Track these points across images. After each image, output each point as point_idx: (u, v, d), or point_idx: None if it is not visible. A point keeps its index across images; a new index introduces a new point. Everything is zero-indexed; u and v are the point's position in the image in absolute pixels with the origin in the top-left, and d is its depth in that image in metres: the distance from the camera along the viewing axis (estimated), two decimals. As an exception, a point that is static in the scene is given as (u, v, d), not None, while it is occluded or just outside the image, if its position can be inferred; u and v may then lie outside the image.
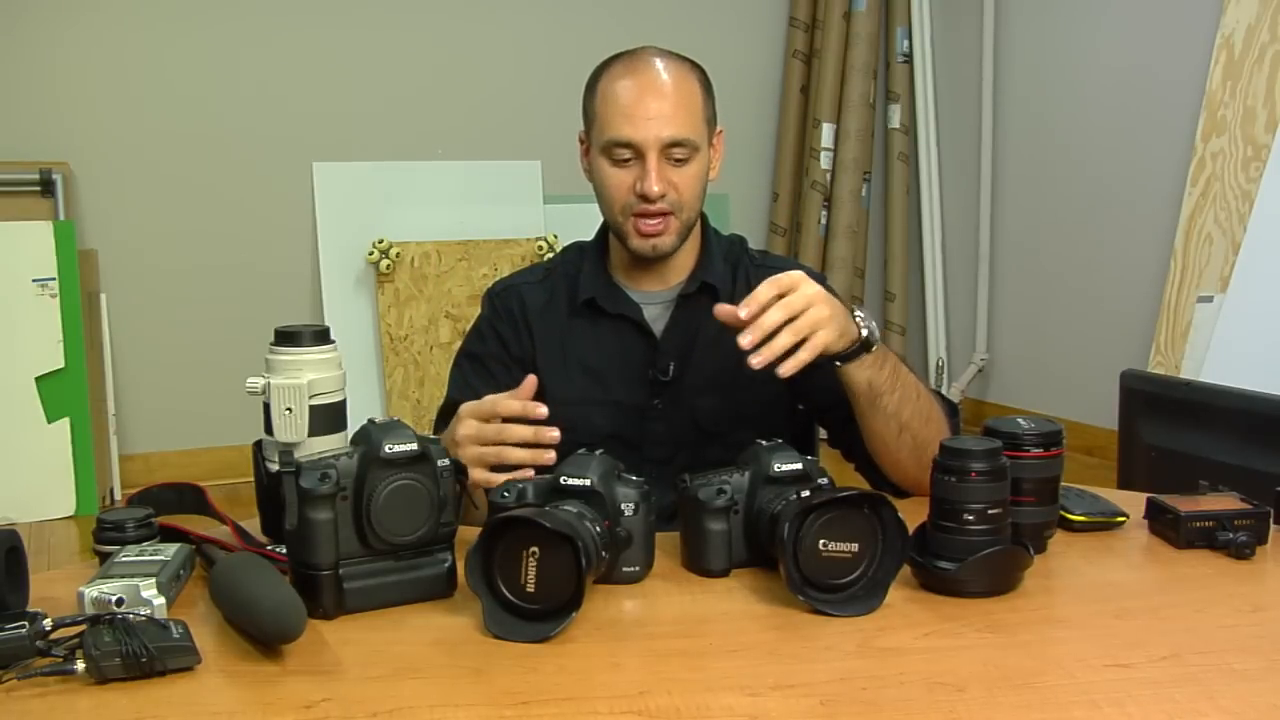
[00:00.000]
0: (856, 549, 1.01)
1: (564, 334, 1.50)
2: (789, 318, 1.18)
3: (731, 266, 1.52)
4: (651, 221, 1.41)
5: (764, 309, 1.18)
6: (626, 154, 1.40)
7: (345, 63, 3.90)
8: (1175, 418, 1.98)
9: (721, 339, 1.49)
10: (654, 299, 1.50)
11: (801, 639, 0.97)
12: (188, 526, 1.15)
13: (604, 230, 1.54)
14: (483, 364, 1.52)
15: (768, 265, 1.54)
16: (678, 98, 1.40)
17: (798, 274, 1.21)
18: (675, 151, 1.40)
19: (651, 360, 1.48)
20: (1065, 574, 1.13)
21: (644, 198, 1.39)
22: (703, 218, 1.51)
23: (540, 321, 1.51)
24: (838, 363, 1.26)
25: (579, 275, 1.52)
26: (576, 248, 1.57)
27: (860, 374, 1.27)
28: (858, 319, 1.25)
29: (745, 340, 1.18)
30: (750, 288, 1.49)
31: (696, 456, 1.44)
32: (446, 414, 1.53)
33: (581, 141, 1.49)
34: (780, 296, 1.19)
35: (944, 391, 4.35)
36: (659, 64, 1.42)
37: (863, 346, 1.25)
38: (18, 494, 3.31)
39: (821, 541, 1.00)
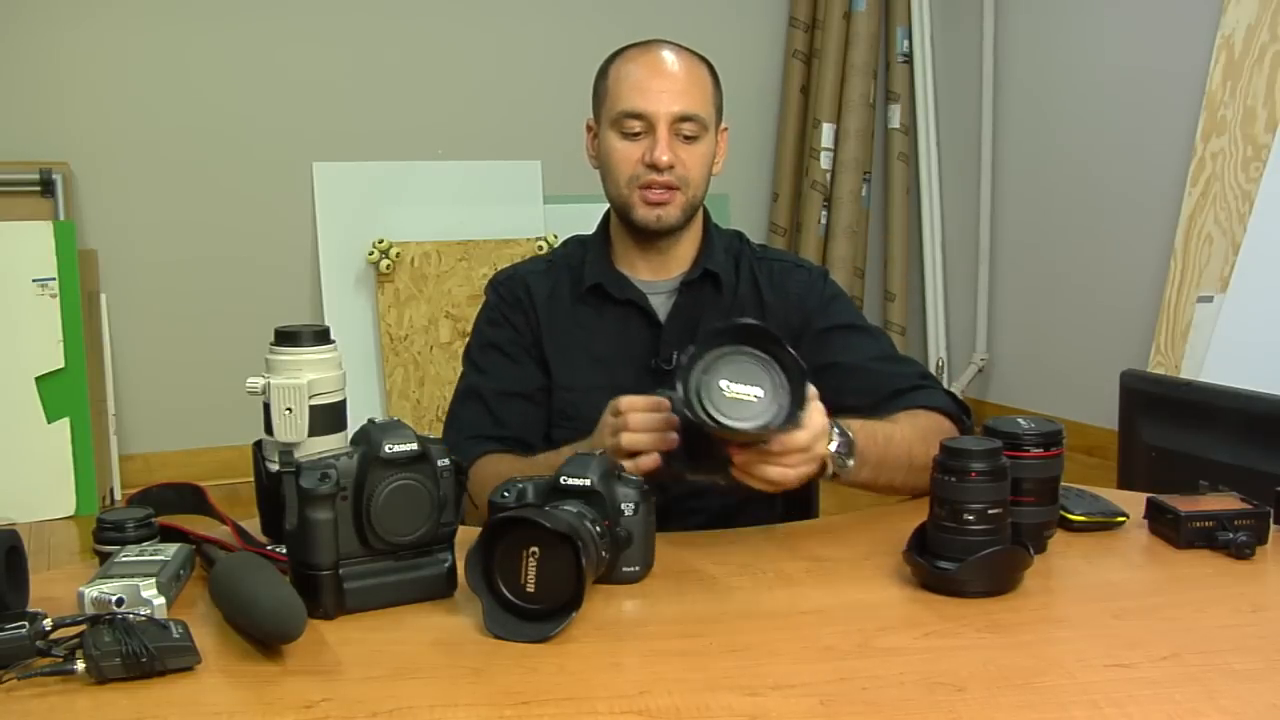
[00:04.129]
0: (761, 392, 1.03)
1: (569, 321, 1.51)
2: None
3: (734, 258, 1.53)
4: (658, 191, 1.43)
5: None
6: (637, 126, 1.42)
7: (346, 63, 3.90)
8: (1175, 418, 1.98)
9: None
10: (657, 288, 1.51)
11: (801, 639, 0.97)
12: (188, 526, 1.15)
13: (605, 222, 1.55)
14: (502, 350, 1.52)
15: (768, 258, 1.55)
16: (689, 78, 1.44)
17: (819, 427, 1.13)
18: (685, 127, 1.42)
19: (655, 349, 1.48)
20: (1065, 574, 1.13)
21: (653, 167, 1.41)
22: (705, 211, 1.52)
23: (546, 309, 1.52)
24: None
25: (582, 265, 1.52)
26: (576, 241, 1.58)
27: (848, 481, 1.24)
28: (832, 456, 1.19)
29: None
30: (754, 280, 1.50)
31: None
32: (464, 398, 1.51)
33: (589, 129, 1.50)
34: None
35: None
36: (672, 49, 1.47)
37: (834, 476, 1.22)
38: (18, 494, 3.31)
39: (722, 382, 1.02)
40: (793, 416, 1.03)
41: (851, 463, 1.22)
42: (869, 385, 1.38)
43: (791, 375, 1.03)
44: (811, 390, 1.09)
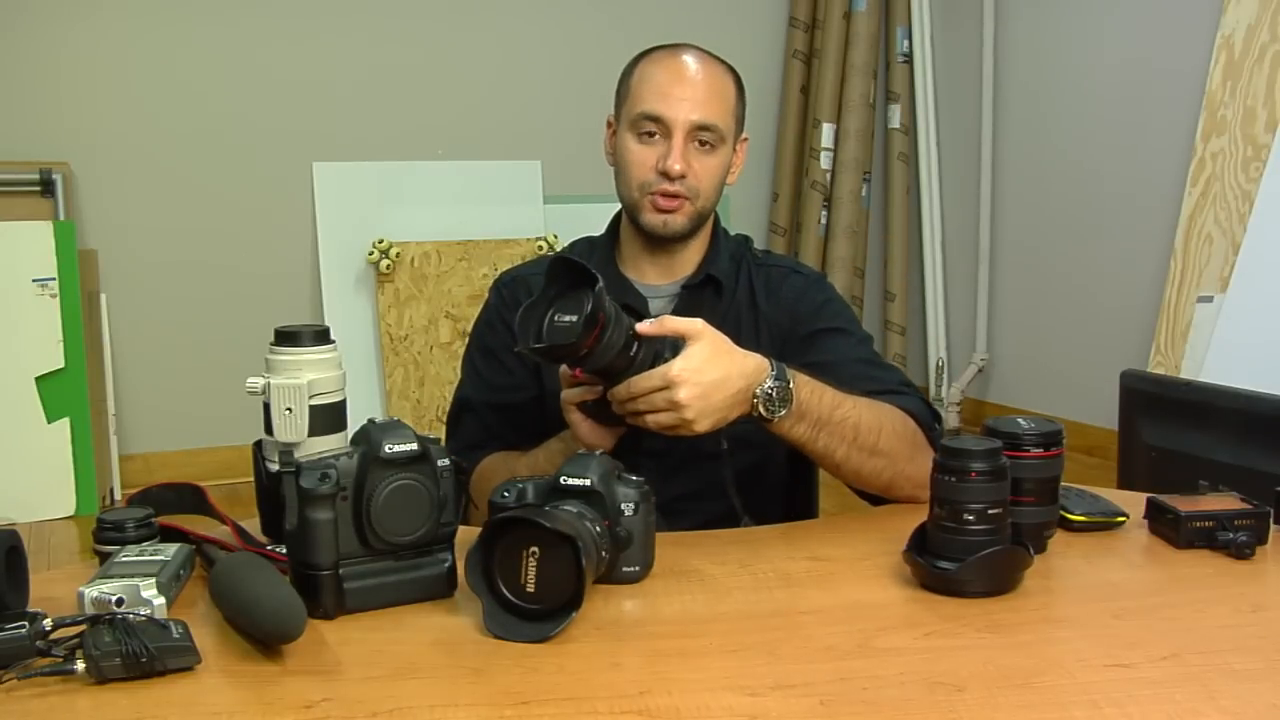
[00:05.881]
0: (575, 318, 1.14)
1: None
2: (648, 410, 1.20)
3: (736, 263, 1.52)
4: (667, 199, 1.42)
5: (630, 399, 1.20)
6: (654, 130, 1.42)
7: (345, 63, 3.90)
8: (1175, 418, 1.98)
9: (722, 331, 1.49)
10: (660, 292, 1.50)
11: (801, 639, 0.97)
12: (188, 526, 1.15)
13: (614, 224, 1.54)
14: (495, 356, 1.52)
15: (767, 264, 1.54)
16: (712, 87, 1.43)
17: (677, 374, 1.18)
18: (702, 135, 1.42)
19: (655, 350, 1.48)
20: (1065, 574, 1.13)
21: (665, 175, 1.41)
22: (715, 216, 1.52)
23: None
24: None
25: None
26: (586, 241, 1.58)
27: (776, 430, 1.25)
28: (756, 397, 1.21)
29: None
30: (751, 286, 1.51)
31: (695, 449, 1.44)
32: (460, 410, 1.52)
33: (609, 125, 1.50)
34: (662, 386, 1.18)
35: (943, 392, 4.35)
36: (699, 56, 1.45)
37: (761, 419, 1.23)
38: (18, 494, 3.31)
39: (556, 315, 1.16)
40: (579, 339, 1.13)
41: (783, 412, 1.21)
42: (844, 383, 1.37)
43: (594, 305, 1.13)
44: (694, 348, 1.18)
